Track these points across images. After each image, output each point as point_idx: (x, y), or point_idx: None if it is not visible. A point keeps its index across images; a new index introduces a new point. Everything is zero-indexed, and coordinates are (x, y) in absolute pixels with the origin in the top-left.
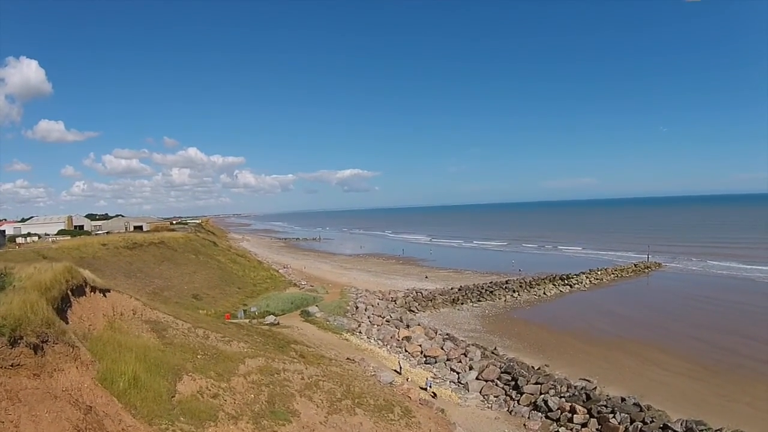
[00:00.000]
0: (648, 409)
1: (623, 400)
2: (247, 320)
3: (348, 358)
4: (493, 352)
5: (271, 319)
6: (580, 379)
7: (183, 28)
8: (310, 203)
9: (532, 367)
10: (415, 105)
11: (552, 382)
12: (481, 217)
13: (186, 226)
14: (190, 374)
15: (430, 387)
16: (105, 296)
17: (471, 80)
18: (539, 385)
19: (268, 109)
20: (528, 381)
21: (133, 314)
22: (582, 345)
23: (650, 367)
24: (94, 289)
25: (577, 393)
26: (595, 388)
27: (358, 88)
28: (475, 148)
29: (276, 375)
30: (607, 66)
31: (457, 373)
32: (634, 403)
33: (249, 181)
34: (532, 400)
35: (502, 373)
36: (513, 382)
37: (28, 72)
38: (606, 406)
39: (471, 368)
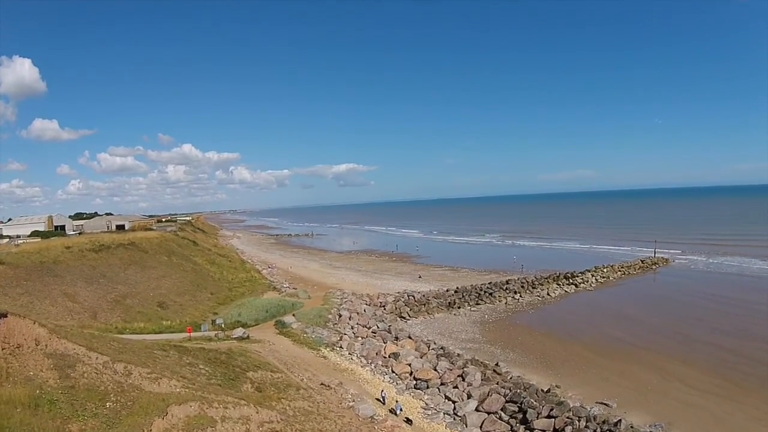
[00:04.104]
0: None
1: None
2: (213, 333)
3: (322, 384)
4: (495, 370)
5: (240, 332)
6: (596, 402)
7: (176, 24)
8: (306, 198)
9: (542, 390)
10: (411, 98)
11: (567, 415)
12: (478, 211)
13: (173, 224)
14: None
15: (401, 411)
16: None
17: (467, 72)
18: (552, 419)
19: (262, 104)
20: (539, 414)
21: (36, 345)
22: (595, 357)
23: (674, 384)
24: None
25: (598, 430)
26: (620, 421)
27: (353, 82)
28: (472, 140)
29: (209, 429)
30: (602, 58)
31: (453, 402)
32: None
33: (245, 177)
34: None
35: (507, 402)
36: (521, 415)
37: (21, 71)
38: None
39: (469, 396)
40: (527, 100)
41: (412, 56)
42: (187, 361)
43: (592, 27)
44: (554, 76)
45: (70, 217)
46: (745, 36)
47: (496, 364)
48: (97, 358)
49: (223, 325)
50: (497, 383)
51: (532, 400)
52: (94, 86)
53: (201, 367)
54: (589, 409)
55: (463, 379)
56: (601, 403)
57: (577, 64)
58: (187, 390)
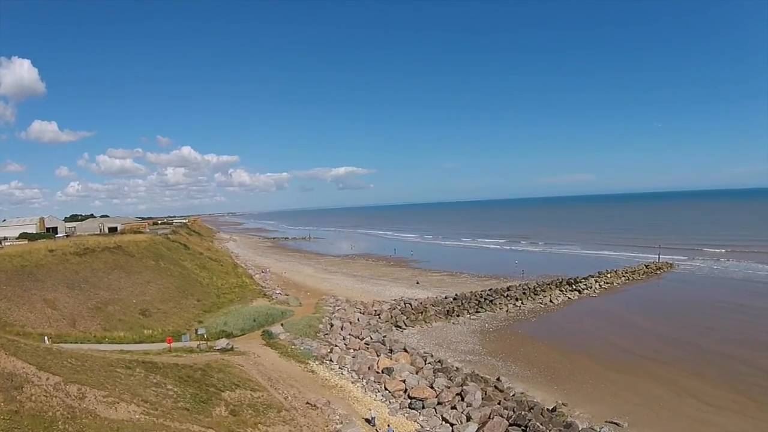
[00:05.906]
0: None
1: None
2: (195, 344)
3: (308, 403)
4: (496, 387)
5: (223, 343)
6: (606, 422)
7: (175, 25)
8: (305, 201)
9: (547, 409)
10: (410, 102)
11: None
12: (477, 214)
13: (167, 227)
14: None
15: None
16: None
17: (466, 76)
18: None
19: (262, 106)
20: None
21: None
22: (602, 370)
23: (688, 400)
24: None
25: None
26: None
27: (352, 85)
28: (471, 144)
29: None
30: (602, 62)
31: (451, 425)
32: None
33: (244, 180)
34: None
35: (510, 425)
36: None
37: (20, 72)
38: None
39: (469, 418)
40: (526, 103)
41: (413, 60)
42: (154, 381)
43: (592, 30)
44: (554, 80)
45: (65, 219)
46: (745, 38)
47: (498, 379)
48: (48, 379)
49: (206, 336)
50: (499, 402)
51: (537, 423)
52: (93, 88)
53: (169, 387)
54: (599, 431)
55: (463, 399)
56: (612, 422)
57: (577, 67)
58: (147, 417)
